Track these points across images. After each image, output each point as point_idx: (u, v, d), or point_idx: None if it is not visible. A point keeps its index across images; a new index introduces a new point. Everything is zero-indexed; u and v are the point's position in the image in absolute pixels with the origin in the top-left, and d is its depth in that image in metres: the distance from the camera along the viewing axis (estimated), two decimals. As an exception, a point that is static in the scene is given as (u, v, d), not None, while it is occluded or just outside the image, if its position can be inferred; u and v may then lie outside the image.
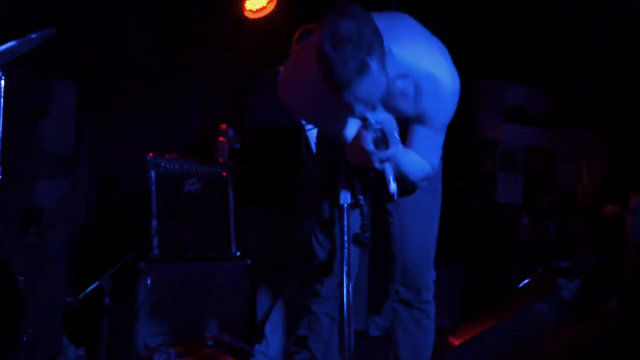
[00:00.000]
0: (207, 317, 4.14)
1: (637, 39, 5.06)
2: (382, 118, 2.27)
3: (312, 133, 3.65)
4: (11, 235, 3.50)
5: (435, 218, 2.79)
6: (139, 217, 4.16)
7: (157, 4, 4.84)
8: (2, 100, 3.08)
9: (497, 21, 5.41)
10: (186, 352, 3.89)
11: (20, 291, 3.05)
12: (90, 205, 4.54)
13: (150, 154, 4.22)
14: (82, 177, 4.42)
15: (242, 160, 4.56)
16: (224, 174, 4.44)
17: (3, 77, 3.08)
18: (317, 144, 2.95)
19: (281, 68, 2.67)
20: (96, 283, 3.36)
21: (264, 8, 4.83)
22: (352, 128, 2.40)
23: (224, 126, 4.58)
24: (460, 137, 4.12)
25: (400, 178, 2.42)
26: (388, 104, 2.33)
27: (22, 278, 3.09)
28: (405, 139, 2.42)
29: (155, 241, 4.04)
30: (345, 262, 2.25)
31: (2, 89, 3.08)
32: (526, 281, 4.41)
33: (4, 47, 2.96)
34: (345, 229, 2.35)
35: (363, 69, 2.05)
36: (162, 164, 4.23)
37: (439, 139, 2.48)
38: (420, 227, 2.74)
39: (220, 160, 4.54)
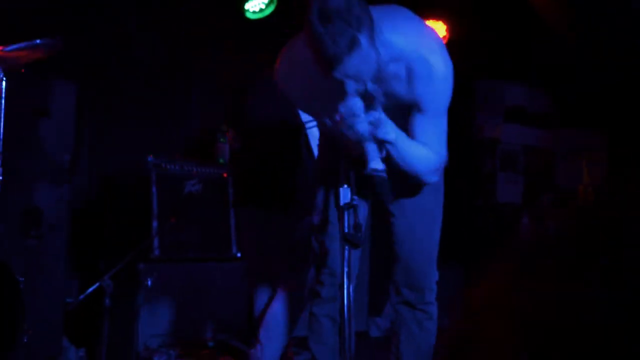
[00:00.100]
0: (208, 318, 4.14)
1: (637, 39, 5.06)
2: (371, 87, 2.27)
3: (313, 132, 3.65)
4: (11, 235, 3.50)
5: (437, 218, 2.78)
6: (140, 218, 4.16)
7: (157, 4, 4.84)
8: (2, 100, 3.08)
9: (497, 21, 5.41)
10: (186, 353, 3.89)
11: (21, 292, 3.04)
12: (90, 206, 4.54)
13: (151, 156, 4.22)
14: (82, 177, 4.42)
15: (242, 160, 4.55)
16: (225, 175, 4.44)
17: (4, 78, 3.08)
18: (318, 145, 2.95)
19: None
20: (97, 284, 3.35)
21: (264, 9, 4.83)
22: None
23: (224, 127, 4.58)
24: (460, 137, 4.12)
25: (409, 173, 2.43)
26: (383, 88, 2.33)
27: (23, 279, 3.08)
28: (406, 136, 2.42)
29: (155, 242, 4.04)
30: (345, 263, 2.24)
31: (3, 90, 3.08)
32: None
33: (10, 48, 2.96)
34: (346, 229, 2.34)
35: (353, 44, 2.06)
36: (163, 165, 4.23)
37: (440, 125, 2.46)
38: (422, 228, 2.74)
39: (221, 161, 4.54)
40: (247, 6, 4.84)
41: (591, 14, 5.19)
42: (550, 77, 5.83)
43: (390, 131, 2.31)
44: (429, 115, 2.39)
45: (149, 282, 3.87)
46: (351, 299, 2.26)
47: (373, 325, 4.81)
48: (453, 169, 2.76)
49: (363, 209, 2.69)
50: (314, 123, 3.44)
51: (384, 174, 2.24)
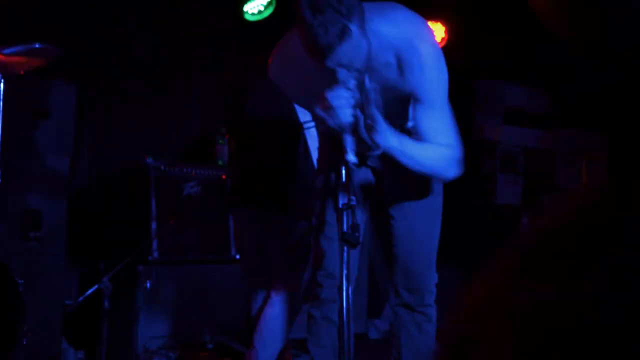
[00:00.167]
0: (207, 320, 4.14)
1: (637, 39, 5.05)
2: (368, 85, 2.28)
3: (312, 133, 3.64)
4: (11, 237, 3.50)
5: (437, 221, 2.78)
6: (140, 218, 4.16)
7: (157, 4, 4.84)
8: (1, 101, 3.08)
9: (497, 21, 5.41)
10: (186, 355, 3.89)
11: (20, 294, 3.04)
12: (90, 206, 4.54)
13: (150, 157, 4.21)
14: (82, 177, 4.42)
15: (240, 161, 4.55)
16: (224, 177, 4.44)
17: (2, 79, 3.07)
18: (317, 146, 2.95)
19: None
20: (96, 286, 3.35)
21: (262, 11, 4.82)
22: None
23: (223, 129, 4.58)
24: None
25: (428, 175, 2.44)
26: (376, 79, 2.34)
27: (22, 281, 3.08)
28: (409, 136, 2.42)
29: (154, 244, 4.04)
30: (344, 265, 2.23)
31: (2, 91, 3.08)
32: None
33: (8, 50, 2.95)
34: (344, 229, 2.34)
35: (344, 33, 2.07)
36: (162, 167, 4.23)
37: (444, 117, 2.44)
38: (422, 230, 2.73)
39: (220, 163, 4.54)
40: (246, 8, 4.84)
41: (591, 14, 5.18)
42: (550, 77, 5.82)
43: (391, 138, 2.31)
44: (429, 107, 2.38)
45: (148, 284, 3.87)
46: (350, 301, 2.26)
47: (372, 327, 4.81)
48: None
49: (361, 213, 2.69)
50: (313, 124, 3.44)
51: (355, 168, 2.25)
